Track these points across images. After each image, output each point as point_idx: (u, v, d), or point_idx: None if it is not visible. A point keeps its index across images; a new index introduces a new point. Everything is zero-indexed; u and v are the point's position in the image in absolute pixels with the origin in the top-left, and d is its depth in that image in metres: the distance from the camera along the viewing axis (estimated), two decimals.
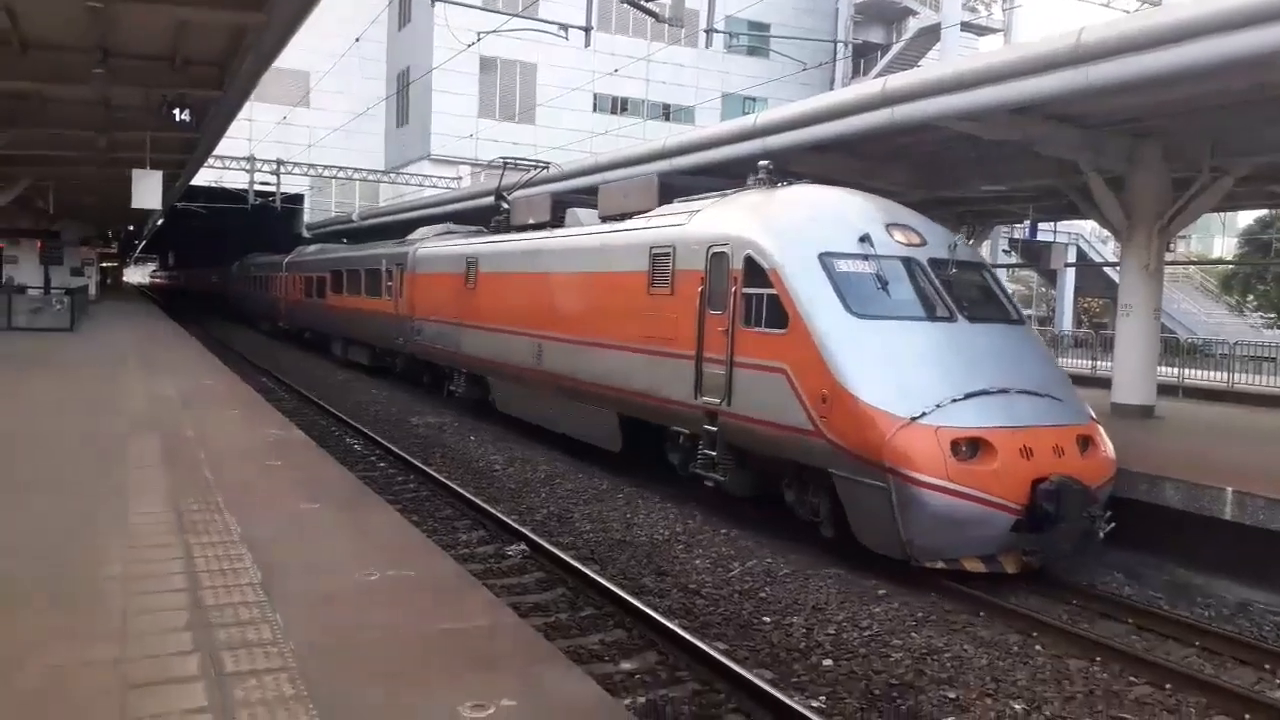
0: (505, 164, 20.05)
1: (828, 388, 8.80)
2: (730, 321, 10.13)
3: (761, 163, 11.81)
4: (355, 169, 42.56)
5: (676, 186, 13.97)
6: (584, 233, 14.14)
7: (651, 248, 11.81)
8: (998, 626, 7.73)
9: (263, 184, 39.67)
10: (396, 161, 46.98)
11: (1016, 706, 6.30)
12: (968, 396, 8.55)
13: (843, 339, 8.94)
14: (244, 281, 44.48)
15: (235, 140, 34.06)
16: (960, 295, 9.76)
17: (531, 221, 16.61)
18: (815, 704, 6.27)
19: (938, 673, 6.81)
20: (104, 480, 8.26)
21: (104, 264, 55.25)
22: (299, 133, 44.09)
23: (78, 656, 4.57)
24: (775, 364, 9.43)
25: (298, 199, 45.28)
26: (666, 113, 45.44)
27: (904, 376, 8.75)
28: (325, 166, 41.17)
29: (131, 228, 47.82)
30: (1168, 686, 6.66)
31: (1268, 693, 6.68)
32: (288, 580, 5.80)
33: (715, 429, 10.37)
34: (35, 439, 10.04)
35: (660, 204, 12.85)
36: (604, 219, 14.12)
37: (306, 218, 47.15)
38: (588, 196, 16.57)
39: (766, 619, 7.87)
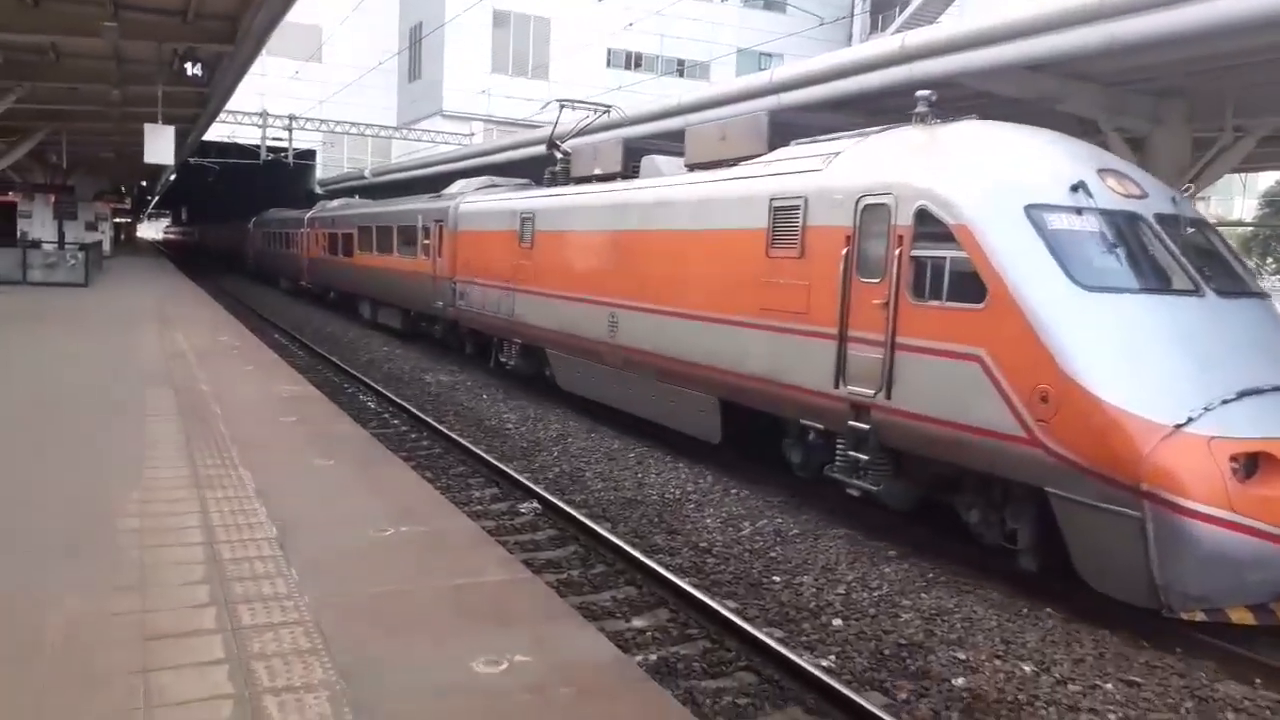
0: (561, 106, 17.47)
1: (1050, 381, 6.89)
2: (892, 292, 8.15)
3: (922, 93, 9.20)
4: (367, 125, 42.36)
5: (789, 127, 11.49)
6: (673, 184, 11.85)
7: (772, 200, 9.70)
8: (1008, 590, 7.74)
9: (275, 139, 39.57)
10: (408, 117, 46.75)
11: (1026, 668, 6.33)
12: (1240, 396, 6.73)
13: (1071, 318, 7.02)
14: (262, 238, 43.17)
15: (247, 95, 33.87)
16: (1198, 262, 7.81)
17: (598, 172, 14.38)
18: (824, 663, 6.31)
19: (947, 634, 6.85)
20: (120, 435, 8.33)
21: (117, 219, 55.33)
22: (311, 88, 43.86)
23: (97, 608, 4.63)
24: (964, 348, 7.50)
25: (310, 155, 45.19)
26: (681, 69, 44.94)
27: (1156, 368, 6.89)
28: (337, 122, 40.99)
29: (144, 183, 47.88)
30: (1178, 650, 6.68)
31: (1278, 658, 6.68)
32: (303, 535, 5.86)
33: (866, 427, 8.42)
34: (52, 394, 10.12)
35: (771, 148, 10.71)
36: (691, 167, 12.05)
37: (319, 173, 47.07)
38: (665, 143, 14.86)
39: (776, 578, 7.91)
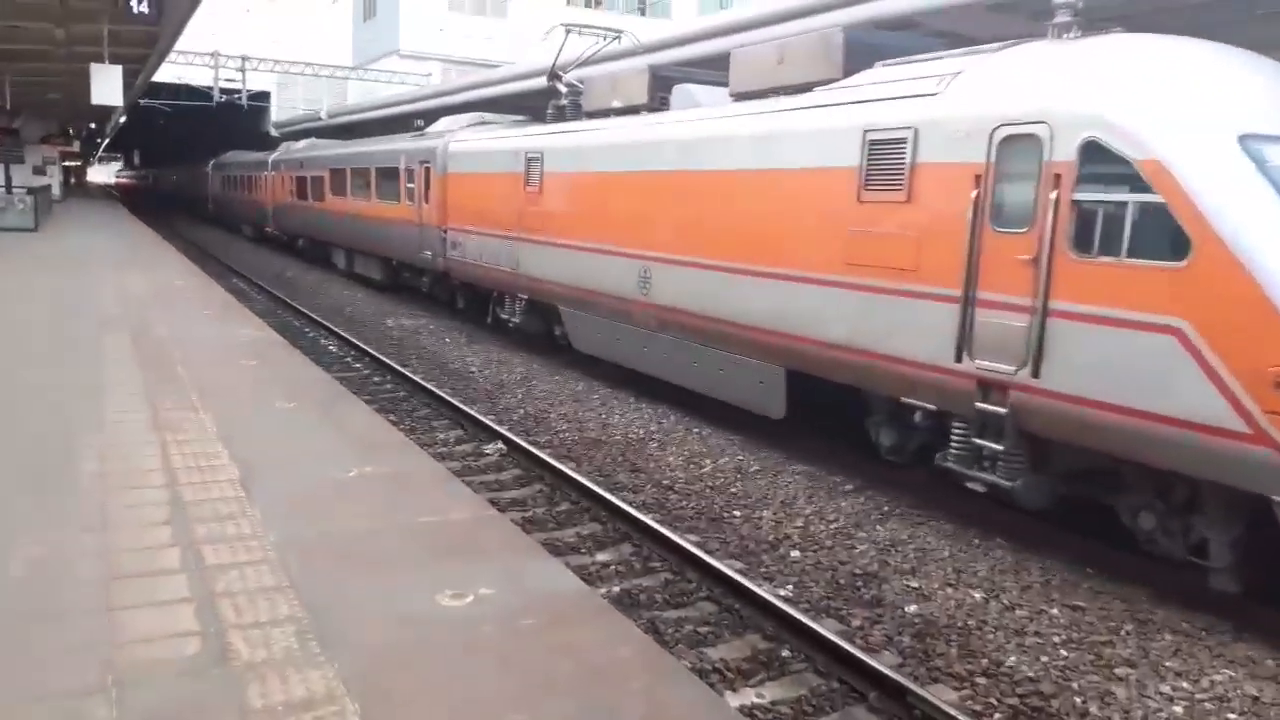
0: (568, 31, 15.02)
1: None
2: (1044, 245, 6.59)
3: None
4: (322, 65, 41.40)
5: (867, 47, 9.51)
6: (723, 117, 10.15)
7: (867, 133, 8.08)
8: (960, 522, 7.96)
9: (228, 81, 38.58)
10: (364, 58, 45.68)
11: (976, 595, 6.55)
12: None
13: None
14: (222, 182, 41.42)
15: (198, 35, 32.87)
16: None
17: (617, 105, 12.74)
18: (782, 592, 6.49)
19: (901, 564, 7.06)
20: (78, 380, 8.25)
21: (67, 163, 53.86)
22: (263, 28, 42.69)
23: (60, 550, 4.64)
24: (1155, 317, 6.00)
25: (264, 96, 44.15)
26: (642, 6, 44.25)
27: None
28: (292, 62, 40.01)
29: (93, 125, 46.58)
30: (1121, 577, 6.93)
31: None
32: (266, 477, 5.88)
33: (1002, 411, 6.92)
34: (5, 339, 9.96)
35: (846, 72, 9.08)
36: (738, 96, 10.40)
37: (274, 115, 46.02)
38: (698, 71, 13.47)
39: (737, 513, 8.08)
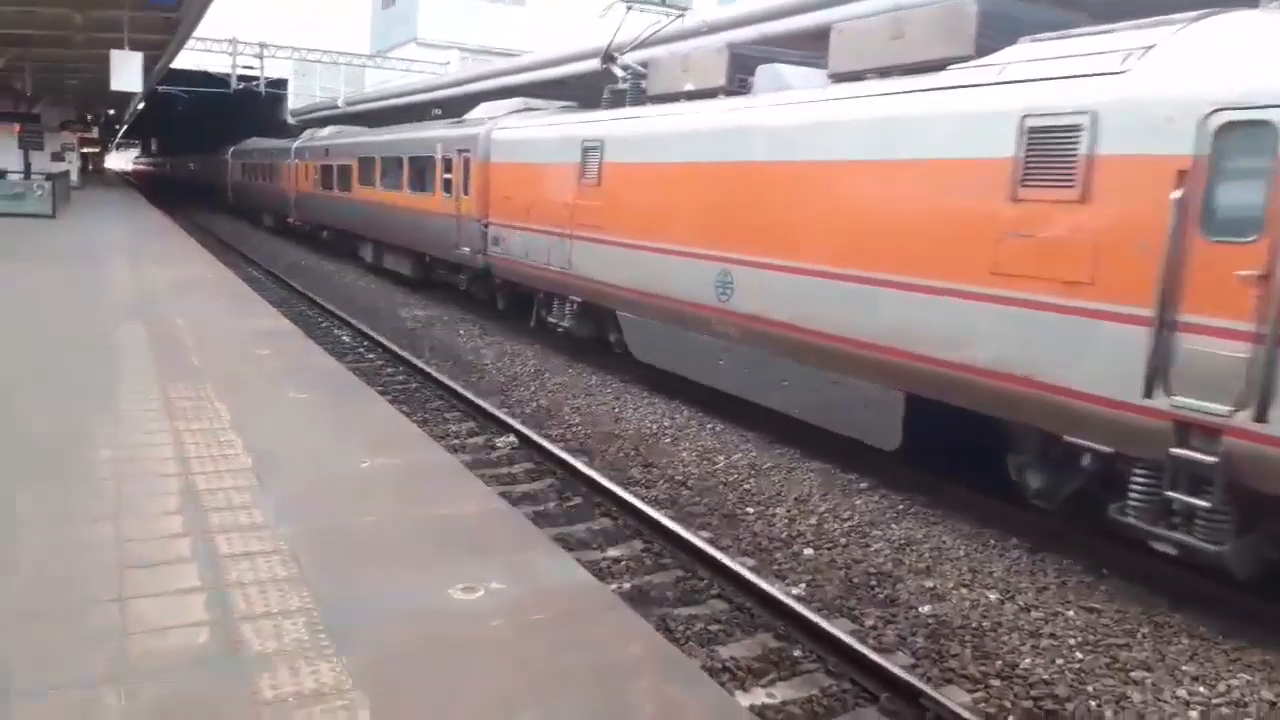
0: (628, 8, 13.78)
1: None
2: (1279, 259, 5.43)
3: None
4: (340, 53, 41.51)
5: (1003, 20, 8.15)
6: (832, 100, 8.77)
7: (1026, 118, 6.80)
8: (976, 521, 7.90)
9: (246, 68, 38.73)
10: (382, 45, 45.78)
11: (991, 596, 6.50)
12: None
13: None
14: (242, 170, 40.17)
15: (216, 22, 32.98)
16: None
17: (689, 89, 11.38)
18: (795, 591, 6.46)
19: (915, 563, 7.01)
20: (92, 367, 8.29)
21: (85, 149, 54.14)
22: (282, 14, 42.83)
23: (73, 537, 4.66)
24: None
25: (282, 84, 44.28)
26: None
27: None
28: (309, 49, 40.12)
29: (112, 111, 46.82)
30: (1140, 579, 6.86)
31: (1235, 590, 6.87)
32: (279, 467, 5.88)
33: (1210, 460, 5.72)
34: (22, 326, 10.01)
35: (979, 50, 7.74)
36: (838, 77, 9.12)
37: (291, 103, 46.14)
38: (782, 50, 11.99)
39: (750, 510, 8.04)
